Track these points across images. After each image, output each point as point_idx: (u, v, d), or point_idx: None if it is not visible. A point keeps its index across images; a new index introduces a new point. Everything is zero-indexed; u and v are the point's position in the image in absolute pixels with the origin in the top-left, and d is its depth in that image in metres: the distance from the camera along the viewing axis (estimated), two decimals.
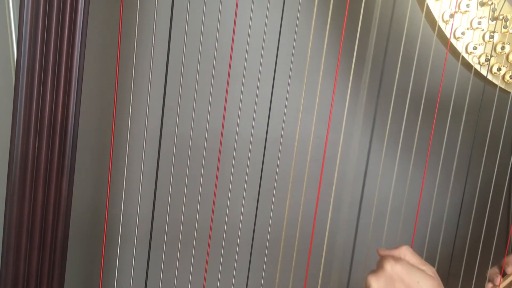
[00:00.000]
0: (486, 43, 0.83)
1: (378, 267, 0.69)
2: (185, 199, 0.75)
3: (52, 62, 0.62)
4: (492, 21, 0.83)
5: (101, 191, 0.88)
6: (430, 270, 0.71)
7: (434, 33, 0.81)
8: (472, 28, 0.82)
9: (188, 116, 0.72)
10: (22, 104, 0.61)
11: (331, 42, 0.84)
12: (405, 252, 0.73)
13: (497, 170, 0.89)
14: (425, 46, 0.81)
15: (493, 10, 0.82)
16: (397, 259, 0.69)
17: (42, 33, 0.61)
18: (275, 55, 0.73)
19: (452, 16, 0.80)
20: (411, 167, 0.84)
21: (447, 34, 0.81)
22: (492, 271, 0.90)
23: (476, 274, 0.91)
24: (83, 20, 0.62)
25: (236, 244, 0.78)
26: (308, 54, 0.75)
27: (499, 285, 0.88)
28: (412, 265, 0.69)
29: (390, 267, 0.68)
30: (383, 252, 0.74)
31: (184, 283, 0.79)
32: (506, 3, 0.82)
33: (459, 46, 0.82)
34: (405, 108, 0.78)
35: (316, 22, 0.75)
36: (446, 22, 0.80)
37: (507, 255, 0.90)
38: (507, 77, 0.85)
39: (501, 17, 0.82)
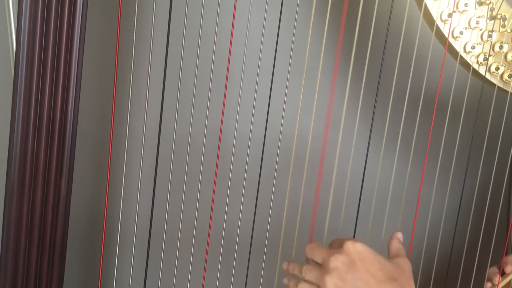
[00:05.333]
0: (484, 42, 0.83)
1: (337, 246, 0.67)
2: (184, 199, 0.75)
3: (50, 62, 0.62)
4: (490, 20, 0.83)
5: (100, 191, 0.89)
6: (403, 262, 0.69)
7: (432, 32, 0.81)
8: (470, 28, 0.82)
9: (186, 116, 0.72)
10: (21, 104, 0.61)
11: (329, 41, 0.84)
12: (398, 246, 0.72)
13: (495, 170, 0.89)
14: (424, 46, 0.81)
15: (491, 10, 0.82)
16: (356, 240, 0.66)
17: (41, 32, 0.61)
18: (274, 54, 0.73)
19: (450, 15, 0.80)
20: (409, 167, 0.84)
21: (445, 33, 0.81)
22: (491, 270, 0.90)
23: (475, 273, 0.91)
24: (81, 20, 0.62)
25: (235, 243, 0.78)
26: (307, 54, 0.75)
27: (497, 285, 0.88)
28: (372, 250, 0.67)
29: (351, 245, 0.65)
30: (396, 236, 0.74)
31: (183, 283, 0.80)
32: (504, 2, 0.82)
33: (457, 46, 0.82)
34: (403, 107, 0.78)
35: (314, 22, 0.75)
36: (444, 22, 0.81)
37: (506, 254, 0.90)
38: (506, 76, 0.85)
39: (499, 16, 0.82)
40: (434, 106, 0.82)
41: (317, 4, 0.74)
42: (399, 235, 0.75)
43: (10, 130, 0.62)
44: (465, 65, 0.84)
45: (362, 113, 0.79)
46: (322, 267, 0.67)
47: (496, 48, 0.84)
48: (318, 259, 0.68)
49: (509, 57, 0.84)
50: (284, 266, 0.74)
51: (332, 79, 0.85)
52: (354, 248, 0.65)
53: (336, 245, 0.68)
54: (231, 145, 0.77)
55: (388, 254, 0.73)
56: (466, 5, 0.80)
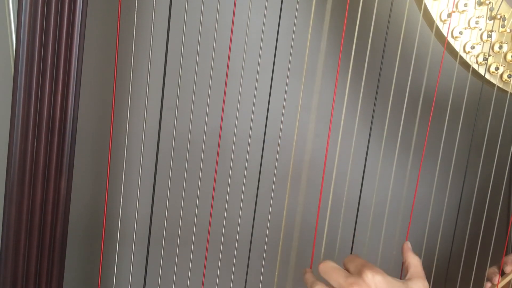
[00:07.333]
0: (483, 42, 0.83)
1: (356, 273, 0.65)
2: (184, 198, 0.75)
3: (50, 61, 0.62)
4: (490, 20, 0.83)
5: (100, 191, 0.89)
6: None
7: (432, 32, 0.81)
8: (470, 28, 0.82)
9: (186, 115, 0.72)
10: (21, 104, 0.61)
11: (329, 41, 0.84)
12: (415, 261, 0.72)
13: (495, 170, 0.89)
14: (423, 46, 0.81)
15: (491, 9, 0.82)
16: (376, 270, 0.65)
17: (41, 32, 0.61)
18: (273, 53, 0.73)
19: (449, 15, 0.80)
20: (409, 167, 0.84)
21: (445, 33, 0.81)
22: (491, 270, 0.90)
23: (475, 273, 0.91)
24: (81, 19, 0.62)
25: (235, 243, 0.78)
26: (306, 53, 0.75)
27: (497, 285, 0.88)
28: (393, 278, 0.66)
29: (371, 277, 0.64)
30: (407, 249, 0.73)
31: (183, 282, 0.79)
32: (504, 2, 0.82)
33: (457, 46, 0.82)
34: (403, 108, 0.78)
35: (314, 21, 0.75)
36: (443, 22, 0.81)
37: (505, 254, 0.90)
38: (505, 76, 0.85)
39: (498, 16, 0.82)
40: (432, 106, 0.82)
41: (316, 4, 0.74)
42: (409, 245, 0.75)
43: (9, 130, 0.62)
44: (465, 65, 0.84)
45: (362, 113, 0.79)
46: None
47: (496, 48, 0.84)
48: (334, 283, 0.66)
49: (508, 57, 0.84)
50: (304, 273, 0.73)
51: (333, 78, 0.85)
52: (374, 281, 0.64)
53: (352, 268, 0.67)
54: (231, 144, 0.77)
55: (405, 269, 0.72)
56: (465, 5, 0.81)
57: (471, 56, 0.83)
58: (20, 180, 0.63)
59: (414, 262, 0.72)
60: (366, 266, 0.66)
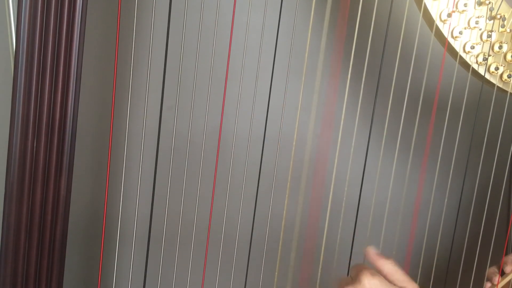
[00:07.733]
0: (483, 42, 0.83)
1: (353, 279, 0.68)
2: (184, 198, 0.75)
3: (50, 61, 0.62)
4: (490, 20, 0.83)
5: (100, 191, 0.88)
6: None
7: (432, 32, 0.81)
8: (470, 28, 0.82)
9: (186, 114, 0.72)
10: (21, 104, 0.61)
11: (329, 40, 0.84)
12: (389, 267, 0.71)
13: (495, 170, 0.89)
14: (423, 46, 0.81)
15: (491, 9, 0.82)
16: (374, 273, 0.67)
17: (40, 30, 0.61)
18: (273, 53, 0.73)
19: (449, 15, 0.80)
20: (409, 167, 0.84)
21: (445, 33, 0.81)
22: (491, 270, 0.90)
23: (475, 273, 0.91)
24: (81, 19, 0.62)
25: (235, 243, 0.78)
26: (306, 53, 0.75)
27: (497, 285, 0.88)
28: (389, 282, 0.68)
29: (367, 281, 0.66)
30: (372, 254, 0.73)
31: (183, 282, 0.79)
32: (504, 2, 0.82)
33: (457, 46, 0.82)
34: (403, 108, 0.78)
35: (314, 21, 0.75)
36: (443, 22, 0.81)
37: (505, 254, 0.90)
38: (505, 76, 0.85)
39: (498, 16, 0.82)
40: (434, 106, 0.82)
41: (316, 4, 0.74)
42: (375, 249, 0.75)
43: (9, 130, 0.62)
44: (465, 65, 0.84)
45: (362, 113, 0.79)
46: None
47: (496, 48, 0.84)
48: None
49: (508, 57, 0.84)
50: None
51: (333, 78, 0.85)
52: (370, 285, 0.66)
53: (353, 273, 0.69)
54: (231, 143, 0.77)
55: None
56: (465, 5, 0.81)
57: (471, 56, 0.83)
58: (20, 179, 0.63)
59: (400, 273, 0.71)
60: (364, 269, 0.68)
